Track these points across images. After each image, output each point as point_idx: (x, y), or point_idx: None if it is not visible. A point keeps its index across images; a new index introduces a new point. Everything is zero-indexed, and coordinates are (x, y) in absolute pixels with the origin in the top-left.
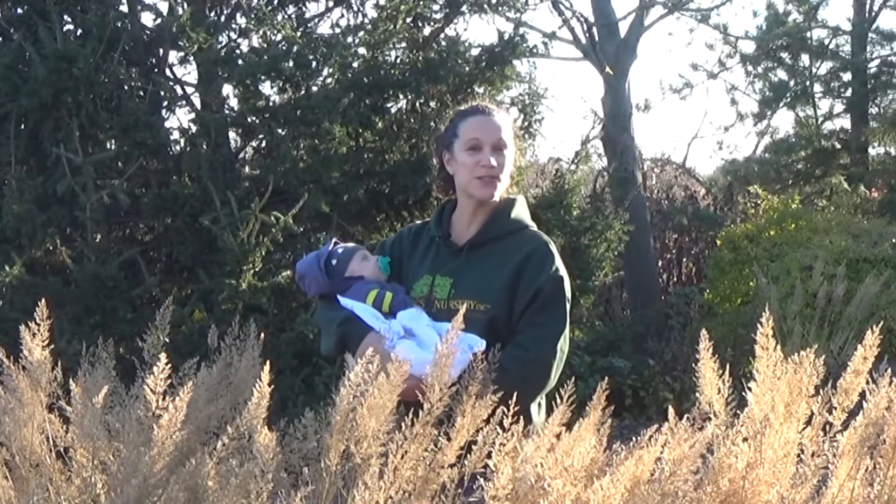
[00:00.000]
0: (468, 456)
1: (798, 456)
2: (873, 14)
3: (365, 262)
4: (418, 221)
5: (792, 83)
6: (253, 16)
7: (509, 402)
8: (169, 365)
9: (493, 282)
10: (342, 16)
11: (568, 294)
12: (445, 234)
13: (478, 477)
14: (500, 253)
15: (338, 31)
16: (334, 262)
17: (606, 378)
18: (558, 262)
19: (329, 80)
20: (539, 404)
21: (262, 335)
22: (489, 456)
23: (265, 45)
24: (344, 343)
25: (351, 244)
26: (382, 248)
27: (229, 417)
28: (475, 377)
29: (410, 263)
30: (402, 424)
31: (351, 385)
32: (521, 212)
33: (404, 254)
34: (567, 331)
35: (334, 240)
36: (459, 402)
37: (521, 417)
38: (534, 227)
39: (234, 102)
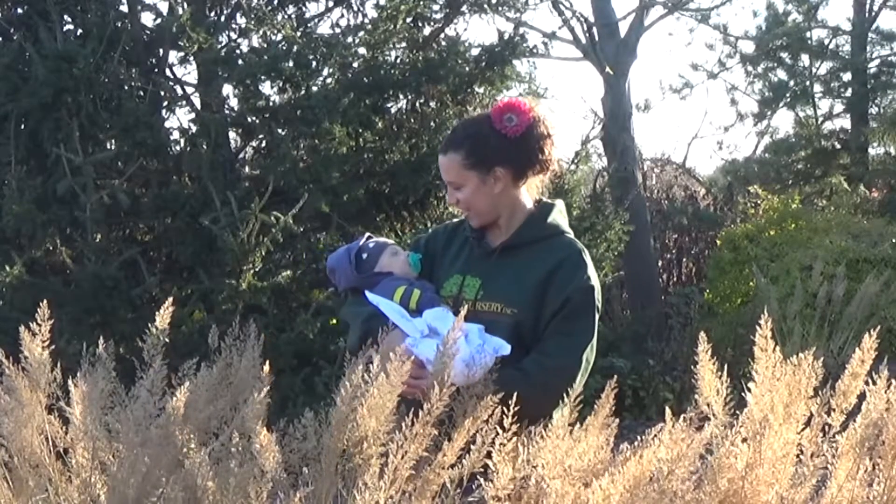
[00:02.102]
0: (467, 456)
1: (797, 456)
2: (873, 14)
3: (395, 258)
4: (455, 219)
5: (792, 83)
6: (253, 16)
7: (527, 407)
8: (169, 365)
9: (522, 286)
10: (342, 16)
11: (598, 304)
12: (480, 235)
13: (477, 477)
14: (533, 258)
15: (338, 31)
16: (364, 256)
17: (615, 377)
18: (591, 272)
19: (329, 80)
20: (561, 409)
21: (262, 335)
22: (489, 456)
23: (265, 45)
24: (368, 340)
25: (382, 239)
26: (417, 243)
27: (229, 418)
28: (486, 381)
29: (443, 261)
30: (402, 424)
31: (351, 385)
32: (557, 217)
33: (438, 250)
34: (594, 341)
35: (367, 234)
36: (462, 402)
37: (543, 421)
38: (570, 233)
39: (234, 102)
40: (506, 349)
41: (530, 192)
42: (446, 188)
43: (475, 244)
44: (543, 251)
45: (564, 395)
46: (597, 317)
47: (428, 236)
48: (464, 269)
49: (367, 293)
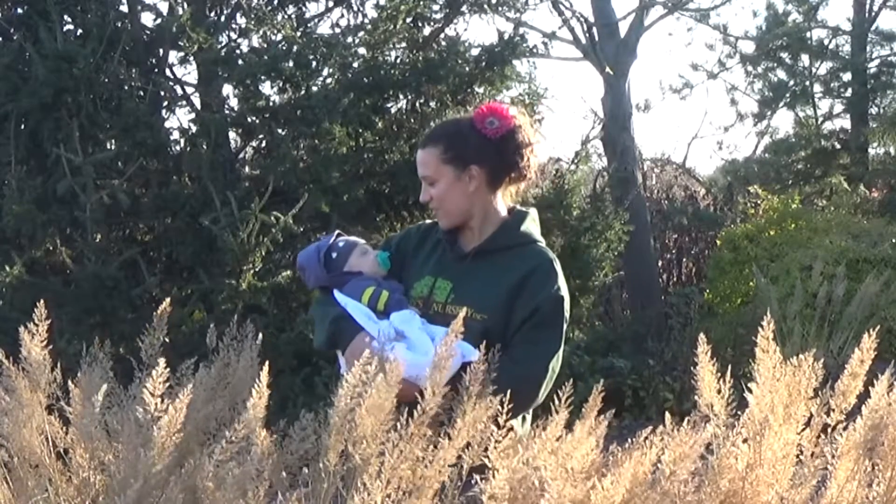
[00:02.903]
0: (462, 456)
1: (798, 457)
2: (873, 14)
3: (364, 258)
4: (428, 221)
5: (792, 83)
6: (253, 16)
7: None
8: (169, 365)
9: (493, 292)
10: (342, 16)
11: (567, 315)
12: (453, 238)
13: (473, 476)
14: (505, 264)
15: (338, 31)
16: (334, 255)
17: (604, 380)
18: (561, 282)
19: (329, 80)
20: (524, 417)
21: (261, 335)
22: (485, 456)
23: (265, 45)
24: (334, 340)
25: (352, 238)
26: (388, 242)
27: (228, 418)
28: (476, 380)
29: (415, 261)
30: (398, 425)
31: (349, 385)
32: (530, 226)
33: (410, 250)
34: (560, 351)
35: (337, 232)
36: (459, 403)
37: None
38: (542, 242)
39: (234, 102)
40: (474, 355)
41: (505, 199)
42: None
43: (448, 247)
44: (516, 258)
45: (530, 402)
46: (564, 327)
47: (401, 235)
48: (435, 272)
49: (336, 293)
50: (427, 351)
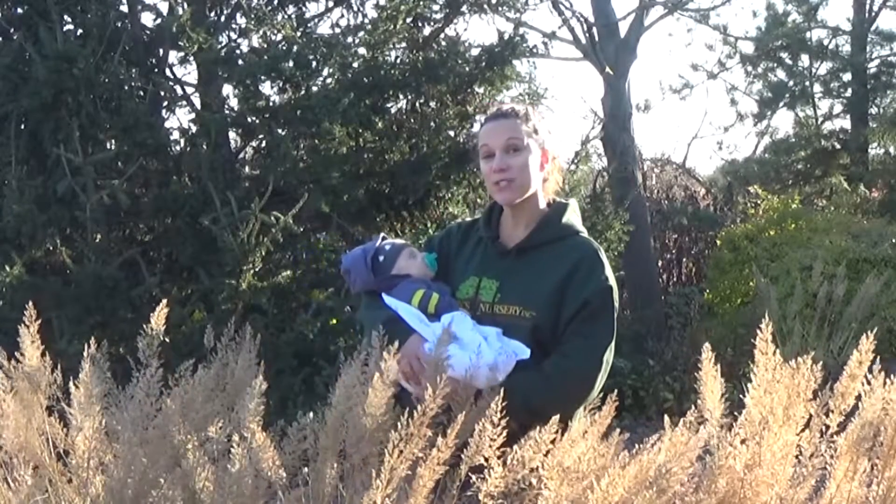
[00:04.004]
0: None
1: (796, 457)
2: (873, 14)
3: (412, 260)
4: (468, 218)
5: (791, 83)
6: (253, 16)
7: (548, 409)
8: (169, 365)
9: (540, 288)
10: (342, 16)
11: (616, 305)
12: (494, 235)
13: (471, 476)
14: (549, 259)
15: (338, 31)
16: (381, 258)
17: (605, 382)
18: (608, 272)
19: (329, 80)
20: (580, 411)
21: (261, 335)
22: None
23: (265, 45)
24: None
25: (398, 240)
26: (430, 243)
27: (226, 418)
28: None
29: (458, 262)
30: (397, 424)
31: (347, 385)
32: (572, 217)
33: (452, 251)
34: (613, 343)
35: (382, 235)
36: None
37: (563, 425)
38: (584, 232)
39: (234, 102)
40: (525, 353)
41: (546, 190)
42: (488, 158)
43: (490, 244)
44: (560, 252)
45: (585, 396)
46: (615, 316)
47: (442, 235)
48: (479, 271)
49: (385, 296)
50: (479, 351)
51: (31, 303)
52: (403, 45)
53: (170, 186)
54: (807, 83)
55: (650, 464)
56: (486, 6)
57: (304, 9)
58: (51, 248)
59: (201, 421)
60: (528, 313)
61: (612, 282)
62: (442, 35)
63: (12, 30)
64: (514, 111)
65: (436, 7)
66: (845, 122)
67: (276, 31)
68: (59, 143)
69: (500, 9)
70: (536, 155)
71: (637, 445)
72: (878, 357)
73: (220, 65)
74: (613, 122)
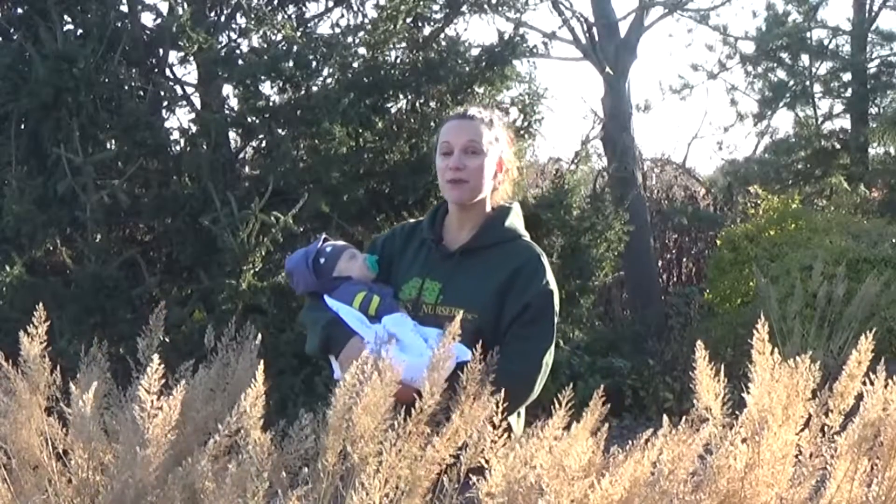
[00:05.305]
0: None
1: (796, 457)
2: (873, 14)
3: (353, 262)
4: (412, 220)
5: (791, 83)
6: (253, 16)
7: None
8: (170, 365)
9: (482, 291)
10: (342, 16)
11: (556, 308)
12: (438, 237)
13: (470, 476)
14: (492, 262)
15: (338, 31)
16: (322, 260)
17: (604, 380)
18: (549, 276)
19: (329, 80)
20: (518, 414)
21: (261, 335)
22: (482, 456)
23: (265, 45)
24: (327, 345)
25: (340, 242)
26: (374, 244)
27: (227, 418)
28: (473, 380)
29: (401, 263)
30: (395, 424)
31: (346, 385)
32: (515, 221)
33: (395, 252)
34: (553, 346)
35: (324, 236)
36: (455, 402)
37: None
38: (527, 236)
39: (234, 102)
40: (467, 354)
41: (494, 198)
42: (446, 155)
43: (433, 246)
44: (503, 255)
45: (524, 398)
46: (555, 321)
47: (386, 236)
48: (423, 273)
49: (327, 298)
50: (421, 353)
51: (36, 302)
52: (403, 45)
53: (170, 186)
54: (807, 83)
55: (650, 463)
56: (486, 6)
57: (304, 9)
58: (51, 248)
59: (202, 421)
60: (470, 315)
61: (554, 286)
62: (442, 35)
63: (12, 30)
64: (481, 116)
65: (436, 7)
66: (845, 122)
67: (276, 31)
68: (59, 143)
69: (500, 9)
70: (493, 162)
71: (631, 443)
72: (881, 358)
73: (220, 65)
74: (613, 122)
